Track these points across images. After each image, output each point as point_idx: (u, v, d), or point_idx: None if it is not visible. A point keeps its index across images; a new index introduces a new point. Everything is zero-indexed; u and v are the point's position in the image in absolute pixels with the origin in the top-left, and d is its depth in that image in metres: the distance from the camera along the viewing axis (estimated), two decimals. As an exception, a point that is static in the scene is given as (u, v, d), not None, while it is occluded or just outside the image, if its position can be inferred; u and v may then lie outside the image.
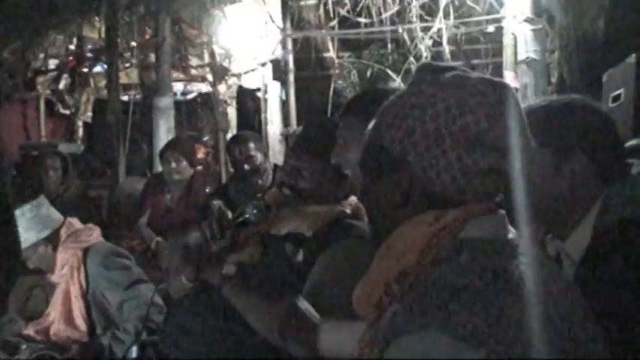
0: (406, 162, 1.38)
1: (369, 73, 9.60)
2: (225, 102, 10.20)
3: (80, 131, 11.38)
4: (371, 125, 1.49)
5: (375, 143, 1.45)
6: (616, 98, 4.65)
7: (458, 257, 1.30)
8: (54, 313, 3.78)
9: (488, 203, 1.38)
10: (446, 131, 1.33)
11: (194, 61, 10.53)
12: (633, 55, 4.48)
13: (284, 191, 2.58)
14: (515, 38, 6.66)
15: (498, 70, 8.00)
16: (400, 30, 8.50)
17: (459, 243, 1.32)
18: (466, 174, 1.34)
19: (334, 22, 8.94)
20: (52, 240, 3.77)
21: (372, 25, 8.41)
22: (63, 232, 3.81)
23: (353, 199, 2.69)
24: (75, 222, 3.93)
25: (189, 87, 11.16)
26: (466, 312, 1.18)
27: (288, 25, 9.41)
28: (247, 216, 2.43)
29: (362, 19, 8.35)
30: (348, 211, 2.59)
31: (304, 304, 2.06)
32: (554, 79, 7.35)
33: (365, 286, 1.43)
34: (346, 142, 2.36)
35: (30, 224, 3.67)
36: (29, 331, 3.77)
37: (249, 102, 10.95)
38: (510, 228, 1.41)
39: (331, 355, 2.02)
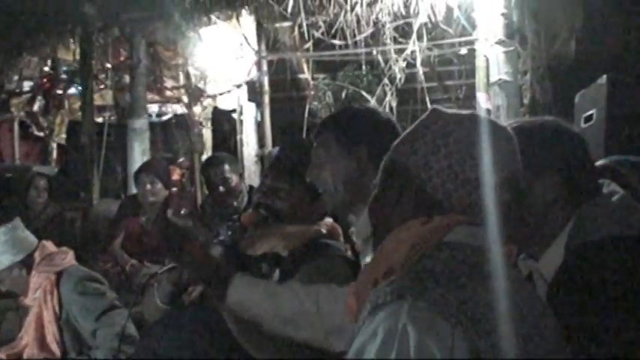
0: (406, 167, 1.56)
1: (343, 95, 9.61)
2: (201, 123, 10.18)
3: (54, 153, 11.31)
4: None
5: (387, 158, 1.65)
6: (588, 119, 4.70)
7: (439, 254, 1.43)
8: (27, 337, 3.75)
9: (473, 216, 1.50)
10: (441, 141, 1.53)
11: (169, 83, 10.50)
12: (604, 77, 4.53)
13: (260, 212, 2.59)
14: (487, 60, 6.70)
15: (471, 91, 8.06)
16: (374, 52, 8.53)
17: (441, 244, 1.46)
18: (454, 180, 1.50)
19: (309, 44, 8.95)
20: (27, 263, 3.74)
21: (346, 47, 8.42)
22: (37, 256, 3.79)
23: (329, 219, 2.70)
24: (49, 245, 3.91)
25: (164, 108, 11.12)
26: (441, 289, 1.32)
27: (263, 47, 9.41)
28: (222, 238, 2.43)
29: (336, 42, 8.36)
30: (323, 231, 2.60)
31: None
32: (526, 101, 7.39)
33: (356, 285, 1.57)
34: (320, 160, 2.37)
35: (4, 247, 3.65)
36: (2, 355, 3.73)
37: (224, 123, 10.92)
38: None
39: (238, 309, 2.07)
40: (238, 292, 2.10)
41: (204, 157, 9.16)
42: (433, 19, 7.45)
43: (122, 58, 9.73)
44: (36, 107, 10.92)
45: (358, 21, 7.85)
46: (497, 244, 1.49)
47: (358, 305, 1.49)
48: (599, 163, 2.50)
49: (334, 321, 2.00)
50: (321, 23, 8.24)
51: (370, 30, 8.05)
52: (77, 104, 10.14)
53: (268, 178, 2.68)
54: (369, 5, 7.65)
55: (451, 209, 1.50)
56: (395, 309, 1.31)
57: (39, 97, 10.88)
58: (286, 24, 8.96)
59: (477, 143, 1.51)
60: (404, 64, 8.30)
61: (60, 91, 10.75)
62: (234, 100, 9.57)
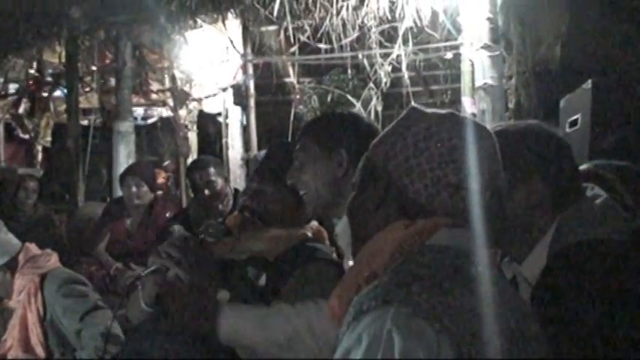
0: (386, 171, 1.55)
1: (329, 98, 9.63)
2: (186, 126, 10.19)
3: (39, 156, 11.29)
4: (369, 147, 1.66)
5: (365, 159, 1.64)
6: (573, 123, 4.71)
7: (422, 258, 1.42)
8: (11, 339, 3.73)
9: (456, 219, 1.49)
10: (423, 145, 1.52)
11: (155, 86, 10.50)
12: (590, 81, 4.54)
13: (246, 215, 2.59)
14: (472, 65, 6.71)
15: (456, 95, 8.09)
16: (360, 56, 8.56)
17: (424, 247, 1.45)
18: (437, 184, 1.49)
19: (295, 48, 8.97)
20: (11, 266, 3.73)
21: (332, 51, 8.45)
22: (21, 258, 3.77)
23: (315, 223, 2.70)
24: (33, 247, 3.89)
25: (149, 111, 11.12)
26: (425, 294, 1.31)
27: (249, 50, 9.42)
28: (202, 236, 2.43)
29: (322, 45, 8.39)
30: (309, 234, 2.60)
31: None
32: (511, 105, 7.42)
33: (340, 289, 1.55)
34: (302, 163, 2.38)
35: (-12, 250, 3.63)
36: (-14, 356, 3.72)
37: (209, 127, 10.94)
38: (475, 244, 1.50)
39: (231, 341, 2.07)
40: (229, 325, 2.09)
41: (190, 160, 9.17)
42: (419, 24, 7.47)
43: (108, 61, 9.73)
44: (21, 110, 10.90)
45: (344, 25, 7.87)
46: (482, 246, 1.49)
47: (341, 309, 1.47)
48: (582, 167, 2.51)
49: (329, 338, 2.00)
50: (307, 27, 8.25)
51: (356, 34, 8.07)
52: (62, 107, 10.12)
53: (255, 181, 2.68)
54: (355, 9, 7.68)
55: (434, 212, 1.49)
56: (379, 314, 1.30)
57: (24, 100, 10.86)
58: (272, 27, 8.98)
59: (459, 145, 1.51)
60: (389, 69, 8.34)
61: (45, 94, 10.74)
62: (220, 103, 9.60)
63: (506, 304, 1.43)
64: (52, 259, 3.89)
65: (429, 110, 1.62)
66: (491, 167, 1.54)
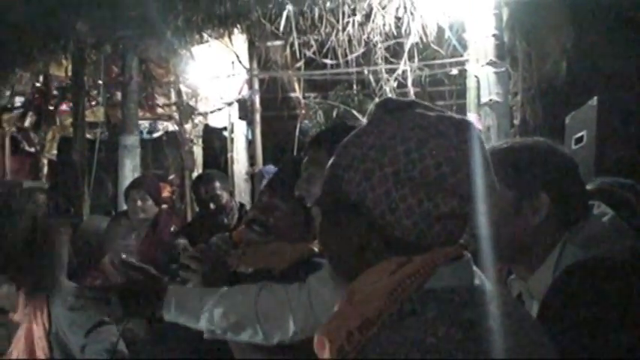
0: (364, 206, 1.32)
1: (334, 114, 9.65)
2: (192, 141, 10.20)
3: (45, 169, 11.29)
4: (329, 164, 1.43)
5: (334, 184, 1.38)
6: (578, 140, 4.71)
7: (424, 311, 1.24)
8: (16, 352, 3.73)
9: (453, 247, 1.34)
10: (405, 175, 1.28)
11: (160, 100, 10.53)
12: (595, 98, 4.55)
13: (254, 228, 2.59)
14: (478, 81, 6.73)
15: (462, 111, 8.09)
16: (366, 71, 8.59)
17: (424, 294, 1.27)
18: (427, 219, 1.29)
19: (300, 63, 9.00)
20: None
21: (337, 66, 8.48)
22: (27, 271, 3.77)
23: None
24: (38, 261, 3.89)
25: (155, 125, 11.14)
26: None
27: (255, 65, 9.46)
28: (212, 248, 2.43)
29: (328, 61, 8.42)
30: (316, 249, 2.60)
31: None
32: (516, 122, 7.43)
33: (327, 331, 1.35)
34: (311, 176, 2.37)
35: (-6, 263, 3.63)
36: (-9, 370, 3.71)
37: (215, 141, 10.95)
38: (476, 270, 1.38)
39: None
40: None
41: (195, 174, 9.18)
42: (424, 40, 7.50)
43: (114, 75, 9.75)
44: (27, 123, 10.92)
45: (350, 40, 7.90)
46: (488, 272, 1.42)
47: (330, 351, 1.31)
48: (589, 187, 2.51)
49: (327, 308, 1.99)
50: (312, 42, 8.29)
51: (362, 49, 8.10)
52: (68, 120, 10.13)
53: (265, 194, 2.69)
54: (361, 25, 7.71)
55: (428, 246, 1.31)
56: None
57: (30, 113, 10.88)
58: (278, 43, 9.02)
59: (448, 172, 1.29)
60: (395, 84, 8.35)
61: (51, 107, 10.75)
62: (225, 117, 9.62)
63: (521, 344, 1.27)
64: (58, 273, 3.88)
65: (405, 116, 1.37)
66: (486, 180, 1.34)
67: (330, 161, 1.43)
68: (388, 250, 1.32)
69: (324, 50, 8.25)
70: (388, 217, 1.30)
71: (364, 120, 8.68)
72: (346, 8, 7.57)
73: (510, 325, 1.27)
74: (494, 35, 6.53)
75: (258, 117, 9.57)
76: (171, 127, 10.80)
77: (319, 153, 2.35)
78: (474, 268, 1.38)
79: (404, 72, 8.09)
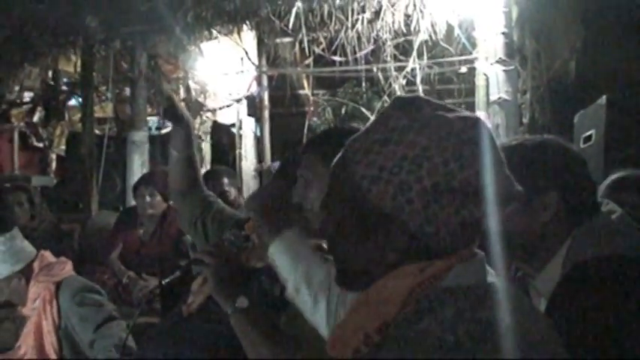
0: (399, 219, 1.30)
1: (343, 111, 9.66)
2: (200, 137, 10.20)
3: (53, 164, 11.30)
4: (342, 171, 1.39)
5: (356, 195, 1.34)
6: (587, 139, 4.71)
7: (442, 309, 1.24)
8: (25, 346, 3.73)
9: (470, 248, 1.34)
10: (445, 187, 1.27)
11: (169, 96, 10.52)
12: (604, 97, 4.54)
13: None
14: (487, 79, 6.72)
15: (471, 109, 8.08)
16: (375, 69, 8.59)
17: (441, 292, 1.27)
18: (461, 226, 1.29)
19: (309, 60, 9.00)
20: (26, 273, 3.73)
21: (346, 63, 8.47)
22: (36, 265, 3.76)
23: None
24: (48, 255, 3.89)
25: (164, 121, 11.14)
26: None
27: (264, 62, 9.47)
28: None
29: (337, 58, 8.41)
30: (325, 245, 2.59)
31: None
32: (525, 120, 7.43)
33: (342, 333, 1.36)
34: (307, 181, 2.35)
35: (3, 257, 3.62)
36: (-2, 364, 3.72)
37: (223, 137, 10.96)
38: (489, 269, 1.38)
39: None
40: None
41: (203, 170, 9.18)
42: (434, 37, 7.49)
43: (123, 71, 9.76)
44: (36, 118, 10.95)
45: (359, 38, 7.89)
46: (500, 269, 1.43)
47: (345, 353, 1.32)
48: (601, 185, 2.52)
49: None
50: (321, 39, 8.29)
51: (371, 47, 8.10)
52: (77, 116, 10.16)
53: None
54: (370, 22, 7.70)
55: (453, 250, 1.31)
56: None
57: (39, 108, 10.91)
58: (287, 39, 9.02)
59: (480, 184, 1.29)
60: (404, 82, 8.34)
61: (60, 103, 10.77)
62: (234, 114, 9.63)
63: (534, 340, 1.27)
64: (67, 267, 3.88)
65: (423, 119, 1.34)
66: (504, 184, 1.35)
67: (344, 168, 1.39)
68: (414, 257, 1.32)
69: (333, 47, 8.25)
70: (426, 229, 1.28)
71: (372, 118, 8.69)
72: (355, 5, 7.56)
73: (524, 322, 1.27)
74: (503, 33, 6.52)
75: (266, 114, 9.60)
76: (180, 123, 10.79)
77: (313, 157, 2.33)
78: (487, 266, 1.39)
79: (413, 70, 8.08)
